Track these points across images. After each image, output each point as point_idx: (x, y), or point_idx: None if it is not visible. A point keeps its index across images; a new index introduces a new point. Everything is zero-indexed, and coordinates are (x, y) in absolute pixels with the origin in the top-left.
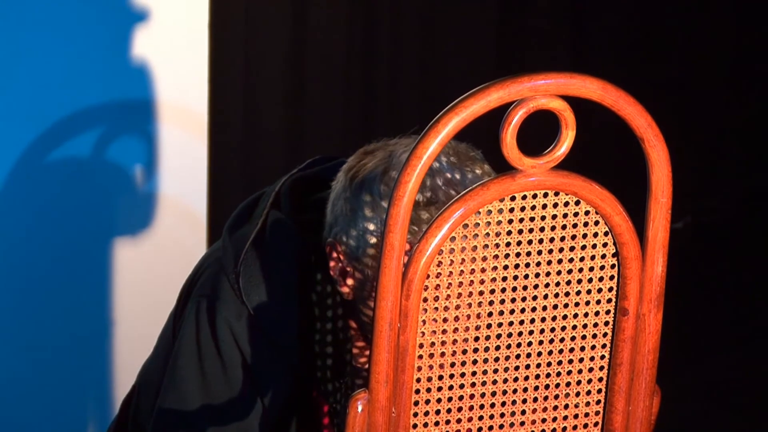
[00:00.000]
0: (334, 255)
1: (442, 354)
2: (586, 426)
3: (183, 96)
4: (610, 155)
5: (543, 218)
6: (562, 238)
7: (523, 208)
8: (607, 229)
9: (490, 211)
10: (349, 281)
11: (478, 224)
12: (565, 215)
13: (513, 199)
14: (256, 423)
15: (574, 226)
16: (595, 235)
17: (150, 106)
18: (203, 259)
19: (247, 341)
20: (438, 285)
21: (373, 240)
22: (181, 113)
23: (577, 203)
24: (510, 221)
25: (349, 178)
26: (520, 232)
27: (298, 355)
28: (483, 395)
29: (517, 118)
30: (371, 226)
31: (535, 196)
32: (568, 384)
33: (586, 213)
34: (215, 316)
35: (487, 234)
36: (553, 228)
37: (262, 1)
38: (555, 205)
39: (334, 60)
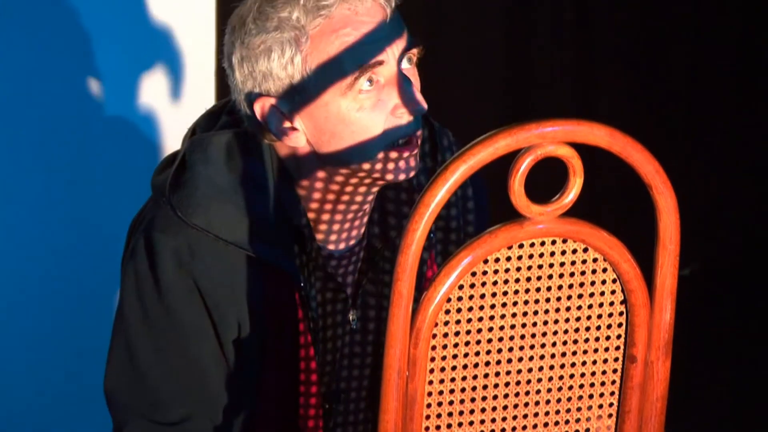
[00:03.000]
0: (268, 106)
1: (451, 402)
2: None
3: (190, 98)
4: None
5: (551, 265)
6: (570, 285)
7: (531, 256)
8: (615, 276)
9: (498, 259)
10: (297, 118)
11: (486, 272)
12: (573, 262)
13: (521, 246)
14: (211, 363)
15: (582, 273)
16: (603, 282)
17: (157, 109)
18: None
19: (199, 260)
20: (446, 333)
21: (277, 46)
22: (187, 115)
23: (585, 250)
24: (518, 269)
25: (231, 29)
26: (528, 279)
27: (268, 241)
28: None
29: (524, 165)
30: (269, 36)
31: (543, 244)
32: None
33: (594, 260)
34: (152, 245)
35: (495, 282)
36: (561, 275)
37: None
38: (563, 253)
39: None
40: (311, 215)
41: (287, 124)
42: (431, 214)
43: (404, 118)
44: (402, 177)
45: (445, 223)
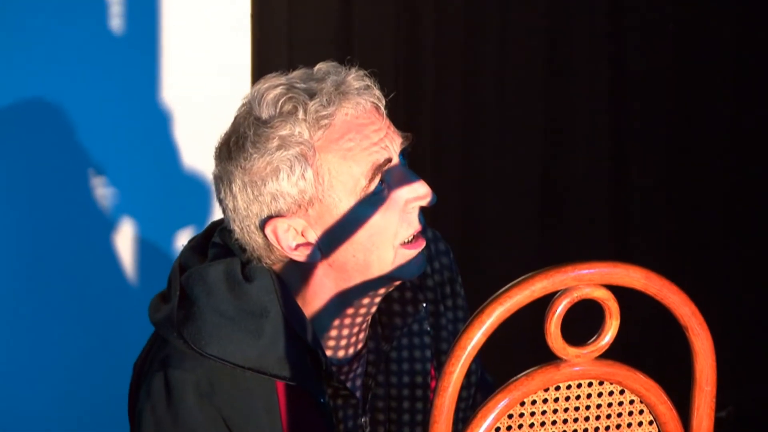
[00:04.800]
0: (281, 225)
1: None
2: None
3: (224, 102)
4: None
5: (588, 407)
6: (607, 428)
7: (567, 398)
8: (651, 417)
9: (534, 401)
10: (312, 232)
11: (522, 414)
12: (609, 404)
13: (557, 388)
14: None
15: (619, 415)
16: (640, 423)
17: (191, 113)
18: (141, 360)
19: (220, 390)
20: None
21: (285, 165)
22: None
23: (622, 392)
24: (555, 411)
25: (225, 157)
26: (565, 421)
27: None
28: None
29: (561, 308)
30: (274, 156)
31: (579, 386)
32: None
33: (631, 402)
34: (170, 383)
35: (532, 424)
36: (597, 417)
37: (306, 8)
38: (600, 395)
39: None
40: (324, 335)
41: (302, 240)
42: (467, 357)
43: (415, 212)
44: (413, 275)
45: (435, 319)
